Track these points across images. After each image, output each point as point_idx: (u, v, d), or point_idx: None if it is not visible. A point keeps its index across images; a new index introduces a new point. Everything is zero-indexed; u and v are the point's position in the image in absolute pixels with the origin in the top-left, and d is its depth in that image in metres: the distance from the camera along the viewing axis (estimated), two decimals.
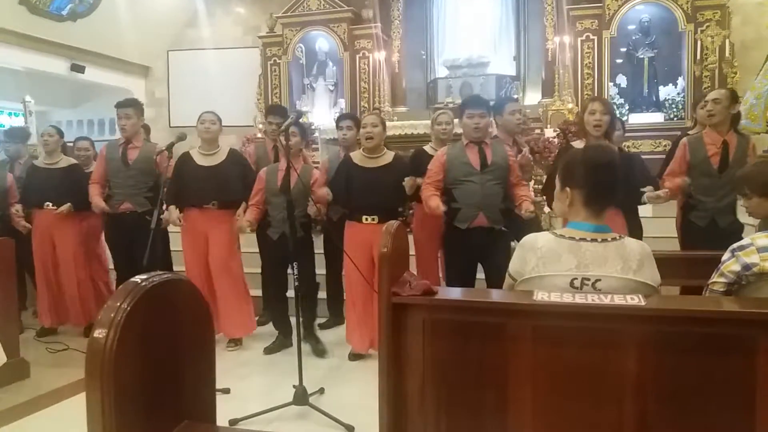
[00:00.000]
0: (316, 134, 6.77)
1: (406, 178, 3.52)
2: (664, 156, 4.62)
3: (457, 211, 3.34)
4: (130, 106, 4.15)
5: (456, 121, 3.97)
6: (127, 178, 4.10)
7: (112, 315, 1.11)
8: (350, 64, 8.07)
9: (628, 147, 6.41)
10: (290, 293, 3.89)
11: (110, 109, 4.28)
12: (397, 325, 1.69)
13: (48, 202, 4.33)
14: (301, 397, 2.91)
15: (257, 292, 4.66)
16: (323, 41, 8.38)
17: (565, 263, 1.67)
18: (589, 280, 1.64)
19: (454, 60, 8.02)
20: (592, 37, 7.13)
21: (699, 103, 4.15)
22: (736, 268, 1.90)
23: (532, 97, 8.01)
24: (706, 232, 3.44)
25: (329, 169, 4.00)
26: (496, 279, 3.17)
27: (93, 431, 1.09)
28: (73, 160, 4.54)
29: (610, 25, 7.04)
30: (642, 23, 7.18)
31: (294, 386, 2.93)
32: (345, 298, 3.98)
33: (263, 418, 2.84)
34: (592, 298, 1.55)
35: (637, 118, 7.07)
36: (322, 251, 4.43)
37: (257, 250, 4.43)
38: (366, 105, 7.96)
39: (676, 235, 3.72)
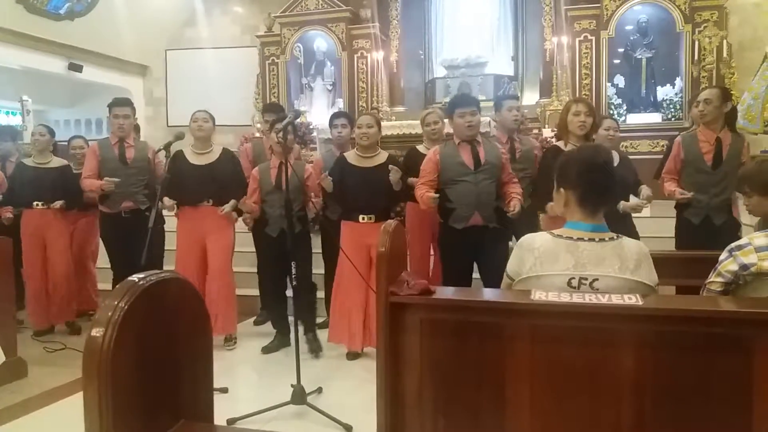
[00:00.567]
0: (315, 134, 6.76)
1: (392, 168, 3.49)
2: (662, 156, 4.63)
3: (452, 211, 3.33)
4: (128, 105, 4.18)
5: (446, 121, 3.97)
6: (127, 177, 4.09)
7: (110, 314, 1.11)
8: (348, 64, 8.06)
9: (626, 147, 6.43)
10: (289, 292, 3.91)
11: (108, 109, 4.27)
12: (395, 325, 1.70)
13: (37, 202, 4.31)
14: (299, 396, 2.90)
15: (254, 291, 4.66)
16: (321, 41, 8.37)
17: (562, 263, 1.67)
18: (586, 279, 1.64)
19: (452, 60, 8.02)
20: (590, 37, 7.13)
21: (693, 102, 4.18)
22: (734, 267, 1.90)
23: (530, 97, 8.00)
24: (701, 229, 3.46)
25: (323, 167, 4.00)
26: (492, 277, 3.18)
27: (90, 430, 1.09)
28: (65, 161, 4.53)
29: (608, 25, 7.04)
30: (640, 24, 7.17)
31: (292, 385, 2.93)
32: (333, 295, 3.87)
33: (261, 417, 2.83)
34: (590, 298, 1.55)
35: (634, 119, 7.07)
36: (320, 251, 4.43)
37: (253, 249, 4.42)
38: (364, 105, 7.94)
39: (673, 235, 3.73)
